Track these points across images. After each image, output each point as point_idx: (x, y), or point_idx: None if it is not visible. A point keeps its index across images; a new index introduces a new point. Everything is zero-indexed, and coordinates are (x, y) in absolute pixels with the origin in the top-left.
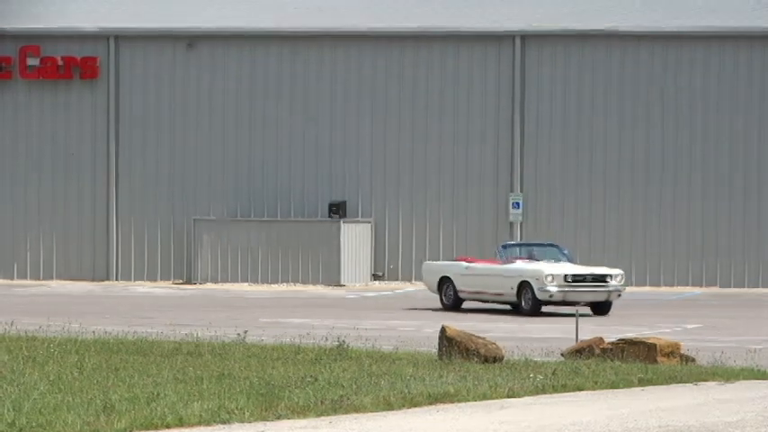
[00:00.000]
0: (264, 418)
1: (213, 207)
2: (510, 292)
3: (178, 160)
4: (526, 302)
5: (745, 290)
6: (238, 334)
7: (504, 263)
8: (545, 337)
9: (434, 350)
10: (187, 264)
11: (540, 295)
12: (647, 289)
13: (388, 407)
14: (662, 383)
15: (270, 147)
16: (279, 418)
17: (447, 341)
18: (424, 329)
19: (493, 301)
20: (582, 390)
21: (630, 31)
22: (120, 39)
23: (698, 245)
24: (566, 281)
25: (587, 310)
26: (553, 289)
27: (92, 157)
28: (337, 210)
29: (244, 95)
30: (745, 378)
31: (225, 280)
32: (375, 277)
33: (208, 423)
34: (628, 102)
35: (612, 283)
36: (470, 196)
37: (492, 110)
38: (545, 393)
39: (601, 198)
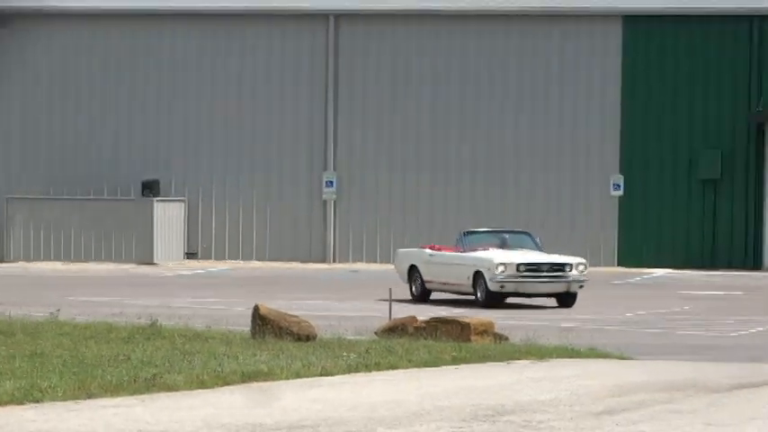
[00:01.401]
0: (77, 397)
1: (27, 185)
2: (467, 282)
3: None
4: (481, 293)
5: None
6: (51, 312)
7: (464, 251)
8: (359, 315)
9: (247, 329)
10: None
11: (491, 286)
12: None
13: (201, 385)
14: (475, 362)
15: (83, 125)
16: (91, 396)
17: (260, 320)
18: (235, 308)
19: (454, 292)
20: (395, 368)
21: (444, 11)
22: None
23: (507, 223)
24: (518, 270)
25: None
26: (504, 279)
27: None
28: (150, 188)
29: (57, 74)
30: (559, 356)
31: (38, 258)
32: (188, 256)
33: (20, 401)
34: (441, 81)
35: (573, 273)
36: (284, 174)
37: (305, 89)
38: (358, 372)
39: (414, 178)
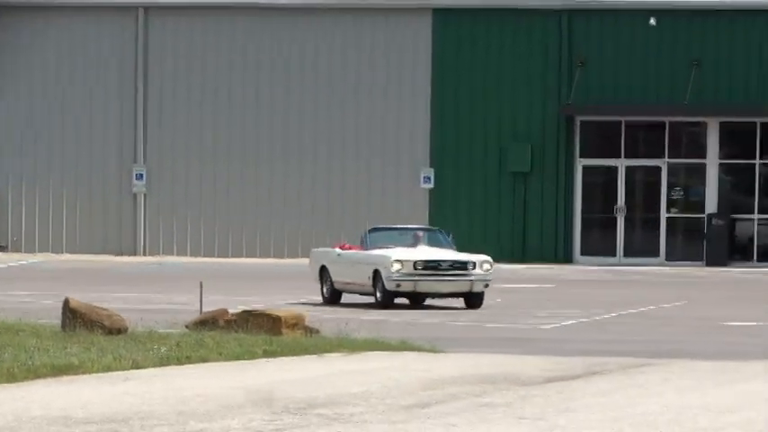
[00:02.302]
0: None
1: None
2: (368, 282)
3: None
4: (379, 293)
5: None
6: None
7: (367, 249)
8: (170, 308)
9: (58, 322)
10: None
11: (388, 285)
12: (271, 261)
13: (12, 378)
14: (287, 355)
15: None
16: None
17: (71, 312)
18: (45, 301)
19: (359, 293)
20: (207, 361)
21: (257, 4)
22: None
23: (317, 216)
24: (416, 268)
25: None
26: (401, 278)
27: None
28: None
29: None
30: (370, 349)
31: None
32: None
33: None
34: (252, 74)
35: (476, 271)
36: (94, 168)
37: (115, 81)
38: (170, 365)
39: (224, 170)
